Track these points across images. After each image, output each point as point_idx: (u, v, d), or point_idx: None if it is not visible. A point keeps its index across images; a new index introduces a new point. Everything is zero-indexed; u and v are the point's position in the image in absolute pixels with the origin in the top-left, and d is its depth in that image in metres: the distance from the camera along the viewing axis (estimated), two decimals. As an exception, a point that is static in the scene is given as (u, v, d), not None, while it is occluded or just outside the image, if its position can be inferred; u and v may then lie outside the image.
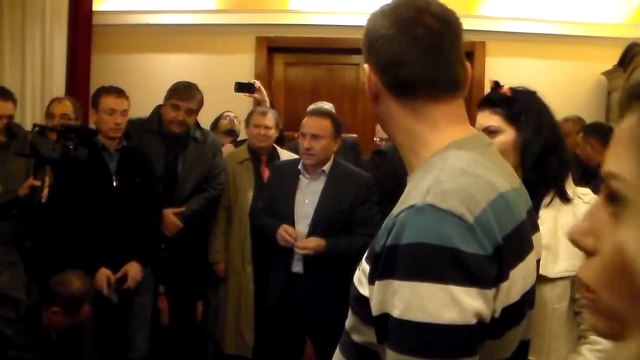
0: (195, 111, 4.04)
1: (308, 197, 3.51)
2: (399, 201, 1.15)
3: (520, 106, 1.91)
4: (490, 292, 1.05)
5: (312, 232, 3.44)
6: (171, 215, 3.92)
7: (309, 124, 3.48)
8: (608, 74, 5.50)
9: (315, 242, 3.38)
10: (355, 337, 1.18)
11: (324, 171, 3.53)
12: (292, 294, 3.46)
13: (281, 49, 5.88)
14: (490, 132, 1.86)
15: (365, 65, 1.23)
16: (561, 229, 1.81)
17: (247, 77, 5.63)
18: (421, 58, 1.18)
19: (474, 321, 1.01)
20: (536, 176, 1.82)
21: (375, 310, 1.08)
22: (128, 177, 3.60)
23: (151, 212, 3.71)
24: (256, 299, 4.03)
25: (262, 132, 4.18)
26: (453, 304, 1.00)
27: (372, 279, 1.10)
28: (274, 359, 3.71)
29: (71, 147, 3.37)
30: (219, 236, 4.19)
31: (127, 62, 5.63)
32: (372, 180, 3.61)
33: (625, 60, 5.12)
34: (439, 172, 1.11)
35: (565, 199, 1.87)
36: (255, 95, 4.60)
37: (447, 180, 1.09)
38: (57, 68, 5.16)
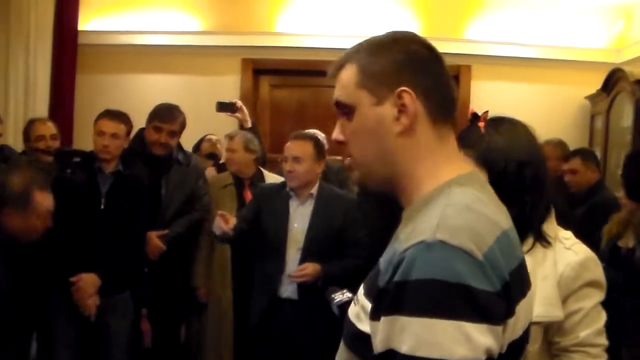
0: (178, 133, 4.01)
1: (297, 221, 3.49)
2: (401, 237, 1.13)
3: (490, 144, 1.79)
4: (500, 329, 1.04)
5: (305, 257, 3.41)
6: (154, 238, 3.88)
7: (291, 147, 3.48)
8: (591, 98, 5.55)
9: (312, 268, 3.35)
10: None
11: (312, 194, 3.51)
12: (277, 319, 3.42)
13: (267, 71, 5.88)
14: None
15: (405, 89, 1.15)
16: (540, 273, 1.79)
17: (233, 98, 5.62)
18: (447, 83, 1.21)
19: (483, 357, 1.00)
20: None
21: (379, 347, 1.05)
22: (117, 202, 3.56)
23: (137, 239, 3.66)
24: (236, 324, 3.99)
25: (228, 156, 4.18)
26: (465, 340, 0.98)
27: (376, 315, 1.07)
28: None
29: (69, 171, 3.34)
30: (201, 260, 4.17)
31: (112, 82, 5.61)
32: (358, 202, 3.60)
33: (608, 85, 5.18)
34: (445, 208, 1.09)
35: (546, 241, 1.82)
36: (237, 114, 4.58)
37: (454, 216, 1.08)
38: (41, 88, 5.12)
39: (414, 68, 1.18)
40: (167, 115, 3.93)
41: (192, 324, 4.26)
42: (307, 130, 4.51)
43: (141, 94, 5.45)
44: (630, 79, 4.76)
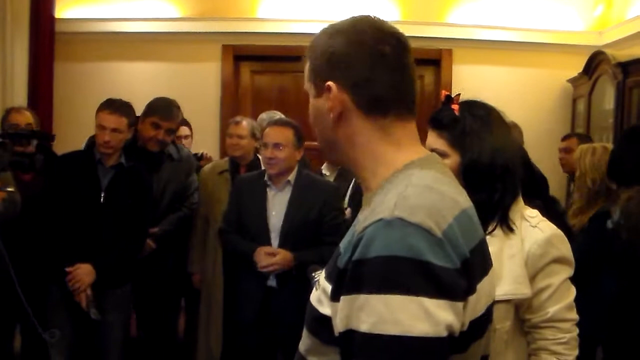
0: (175, 130, 3.96)
1: (275, 209, 3.47)
2: (360, 218, 1.14)
3: (465, 128, 1.83)
4: (460, 305, 1.05)
5: (282, 244, 3.40)
6: None
7: (271, 134, 3.45)
8: (573, 81, 5.56)
9: (281, 256, 3.34)
10: None
11: (289, 181, 3.48)
12: (268, 308, 3.40)
13: (248, 57, 5.83)
14: (438, 154, 1.82)
15: (330, 84, 1.20)
16: (507, 252, 1.80)
17: (214, 85, 5.59)
18: (391, 76, 1.20)
19: (445, 334, 1.00)
20: (477, 203, 1.74)
21: (340, 327, 1.06)
22: (118, 196, 3.50)
23: (137, 234, 3.61)
24: (225, 310, 3.97)
25: (235, 142, 4.14)
26: (425, 316, 0.99)
27: (335, 296, 1.09)
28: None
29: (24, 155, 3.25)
30: (196, 246, 4.17)
31: (90, 70, 5.54)
32: (337, 188, 3.58)
33: (590, 68, 5.19)
34: (404, 188, 1.10)
35: (508, 228, 1.83)
36: None
37: (413, 195, 1.09)
38: (18, 77, 5.03)
39: (348, 61, 1.20)
40: (167, 113, 3.84)
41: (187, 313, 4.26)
42: (274, 113, 4.55)
43: (120, 82, 5.39)
44: (612, 62, 4.76)
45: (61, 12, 5.51)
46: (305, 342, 1.21)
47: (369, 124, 1.20)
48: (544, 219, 1.89)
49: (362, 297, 1.01)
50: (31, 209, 3.50)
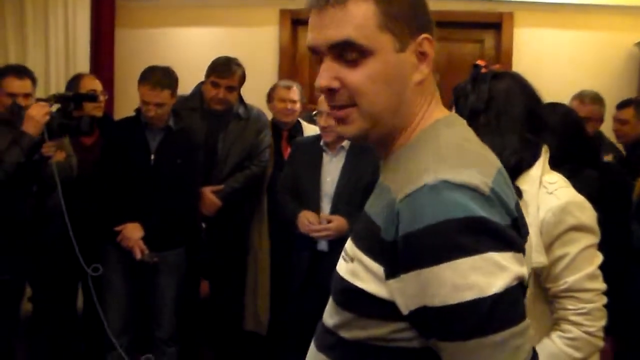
0: (237, 88, 3.99)
1: (330, 174, 3.48)
2: (393, 186, 1.08)
3: (492, 92, 1.84)
4: (522, 256, 1.01)
5: (334, 210, 3.41)
6: (209, 194, 3.88)
7: (325, 102, 3.44)
8: (641, 44, 5.35)
9: (336, 223, 3.35)
10: (348, 334, 1.12)
11: (343, 147, 3.48)
12: (318, 272, 3.43)
13: (306, 21, 5.72)
14: None
15: (428, 37, 1.10)
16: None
17: (271, 50, 5.59)
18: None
19: (516, 282, 0.97)
20: None
21: (411, 305, 1.00)
22: (168, 157, 3.57)
23: (187, 195, 3.67)
24: (273, 275, 4.01)
25: (289, 107, 4.16)
26: (498, 270, 0.95)
27: (391, 273, 1.02)
28: (292, 339, 3.64)
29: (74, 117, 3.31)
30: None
31: (150, 36, 5.59)
32: None
33: (659, 30, 4.98)
34: (438, 149, 1.06)
35: (519, 195, 1.76)
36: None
37: (451, 156, 1.04)
38: (80, 44, 5.12)
39: (423, 11, 1.13)
40: (224, 70, 3.89)
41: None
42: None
43: (179, 48, 5.43)
44: (682, 24, 4.56)
45: (122, -22, 5.57)
46: (333, 316, 1.15)
47: (432, 77, 1.15)
48: (565, 185, 1.84)
49: (426, 271, 0.96)
50: (91, 173, 3.60)
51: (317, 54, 1.14)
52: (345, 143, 3.48)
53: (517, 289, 0.97)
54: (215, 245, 4.00)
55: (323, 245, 3.43)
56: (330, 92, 1.11)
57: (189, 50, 5.38)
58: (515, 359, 0.96)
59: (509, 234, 0.99)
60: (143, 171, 3.54)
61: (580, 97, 4.27)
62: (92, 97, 3.59)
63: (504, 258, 0.96)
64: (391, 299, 1.03)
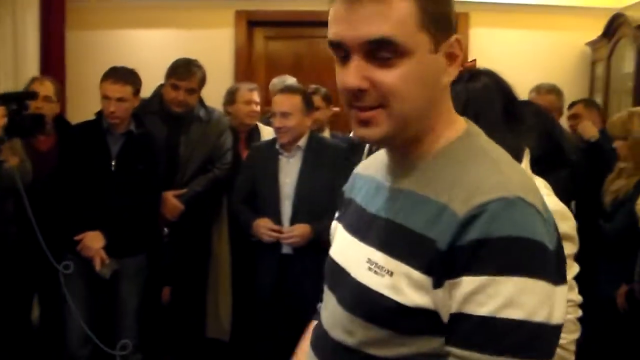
0: (197, 90, 3.90)
1: (289, 176, 3.45)
2: (433, 191, 1.03)
3: (461, 98, 1.75)
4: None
5: (295, 213, 3.38)
6: (171, 198, 3.80)
7: (278, 103, 3.42)
8: (592, 44, 5.45)
9: (300, 230, 3.32)
10: (381, 352, 1.05)
11: (299, 147, 3.45)
12: (286, 277, 3.40)
13: (261, 22, 5.75)
14: None
15: (459, 37, 1.06)
16: None
17: (227, 52, 5.53)
18: None
19: (562, 321, 0.97)
20: None
21: (452, 310, 0.97)
22: (129, 163, 3.49)
23: (148, 200, 3.59)
24: (235, 280, 3.96)
25: (254, 108, 4.11)
26: (549, 301, 0.94)
27: (442, 282, 0.98)
28: (261, 345, 3.59)
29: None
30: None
31: (102, 38, 5.48)
32: (348, 151, 3.53)
33: (609, 31, 5.07)
34: (496, 164, 1.03)
35: None
36: None
37: (514, 172, 1.03)
38: (30, 47, 4.98)
39: (454, 10, 1.08)
40: (184, 72, 3.81)
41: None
42: (286, 77, 4.47)
43: (132, 50, 5.34)
44: (632, 25, 4.66)
45: (72, -21, 5.45)
46: (355, 333, 1.09)
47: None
48: (548, 192, 1.80)
49: (485, 278, 0.93)
50: (48, 180, 3.50)
51: (340, 49, 1.04)
52: (302, 142, 3.45)
53: (559, 330, 0.97)
54: (178, 250, 3.93)
55: (287, 249, 3.40)
56: (358, 92, 1.03)
57: (142, 52, 5.29)
58: None
59: (563, 266, 0.99)
60: (104, 177, 3.44)
61: (537, 89, 4.45)
62: (31, 94, 3.45)
63: (557, 291, 0.96)
64: (435, 309, 0.99)
